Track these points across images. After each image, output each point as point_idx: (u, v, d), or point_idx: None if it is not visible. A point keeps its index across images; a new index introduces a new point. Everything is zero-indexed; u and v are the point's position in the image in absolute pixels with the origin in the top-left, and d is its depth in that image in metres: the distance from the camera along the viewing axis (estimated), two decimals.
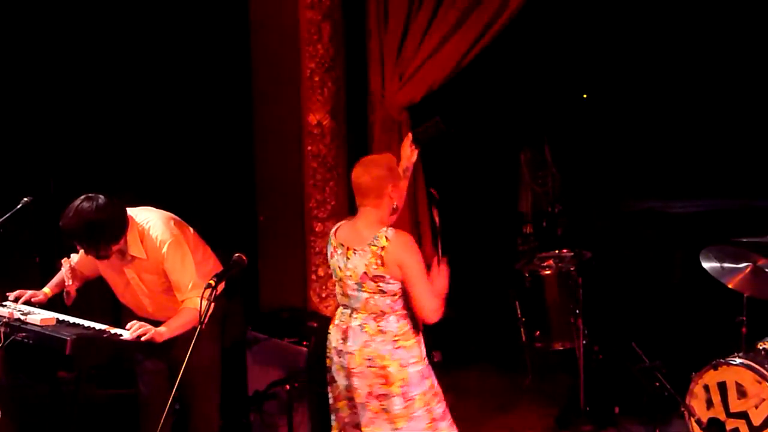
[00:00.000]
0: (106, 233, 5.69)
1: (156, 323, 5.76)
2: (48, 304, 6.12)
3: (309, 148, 8.01)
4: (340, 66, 8.05)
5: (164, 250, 5.80)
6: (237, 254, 4.89)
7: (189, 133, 8.51)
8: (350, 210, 8.20)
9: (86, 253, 5.87)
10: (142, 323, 5.67)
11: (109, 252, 5.77)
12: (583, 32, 9.19)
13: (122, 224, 5.77)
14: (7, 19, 7.86)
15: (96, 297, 6.86)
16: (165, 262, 5.81)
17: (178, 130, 8.49)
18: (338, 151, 8.08)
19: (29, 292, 6.12)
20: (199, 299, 5.51)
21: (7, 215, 6.01)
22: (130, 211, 5.87)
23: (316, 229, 8.05)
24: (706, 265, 6.77)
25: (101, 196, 5.72)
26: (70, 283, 6.04)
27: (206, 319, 4.83)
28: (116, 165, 8.20)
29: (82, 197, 5.72)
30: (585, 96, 9.84)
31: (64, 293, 6.06)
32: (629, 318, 8.25)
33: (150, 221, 5.88)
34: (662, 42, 9.13)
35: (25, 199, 6.13)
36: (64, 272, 6.08)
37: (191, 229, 6.08)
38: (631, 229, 9.27)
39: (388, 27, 7.93)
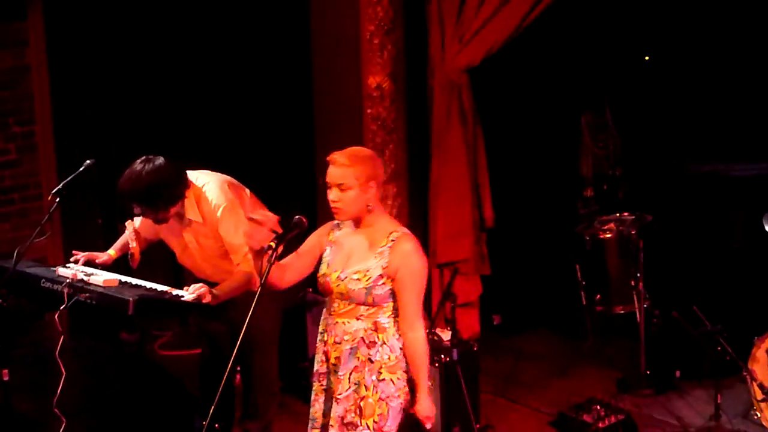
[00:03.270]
0: (164, 195, 5.72)
1: (214, 285, 5.81)
2: (111, 267, 6.18)
3: (369, 111, 8.00)
4: (400, 28, 8.01)
5: (219, 213, 5.82)
6: (297, 216, 4.89)
7: (249, 96, 8.55)
8: (410, 173, 8.21)
9: (143, 215, 5.91)
10: (201, 285, 5.71)
11: (166, 215, 5.80)
12: None
13: (180, 187, 5.80)
14: None
15: (158, 259, 6.92)
16: (219, 225, 5.83)
17: (238, 94, 8.53)
18: (398, 113, 8.06)
19: (93, 253, 6.18)
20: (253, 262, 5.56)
21: (70, 177, 6.04)
22: (189, 174, 5.90)
23: None
24: None
25: (161, 158, 5.75)
26: (134, 245, 6.08)
27: (266, 281, 4.84)
28: (176, 129, 8.25)
29: (142, 158, 5.76)
30: (647, 58, 9.75)
31: (129, 255, 6.10)
32: (690, 282, 8.20)
33: (206, 185, 5.90)
34: (724, 4, 9.02)
35: (88, 161, 6.15)
36: (128, 234, 6.13)
37: (248, 192, 6.09)
38: (693, 192, 9.19)
39: None
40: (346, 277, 4.89)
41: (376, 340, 4.89)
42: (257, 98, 8.58)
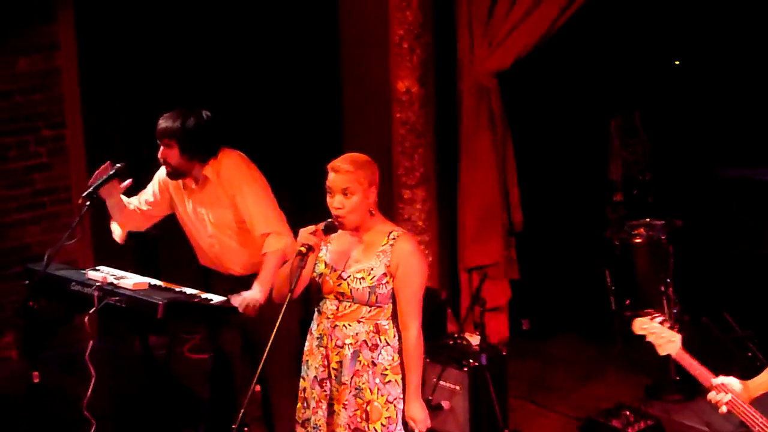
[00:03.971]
0: (201, 142, 5.85)
1: (217, 274, 5.90)
2: (137, 268, 6.20)
3: (398, 115, 8.00)
4: (429, 32, 8.02)
5: (240, 180, 5.88)
6: (330, 219, 4.89)
7: (278, 99, 8.56)
8: (439, 177, 8.21)
9: (166, 160, 5.90)
10: (245, 298, 5.71)
11: (188, 168, 5.87)
12: None
13: (217, 144, 5.93)
14: None
15: (185, 263, 6.93)
16: (239, 192, 5.85)
17: (267, 97, 8.53)
18: (427, 118, 8.06)
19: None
20: (278, 238, 5.69)
21: (101, 180, 6.06)
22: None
23: (405, 196, 8.05)
24: None
25: (208, 112, 5.90)
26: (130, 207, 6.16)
27: (295, 287, 4.82)
28: None
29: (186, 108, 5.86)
30: (677, 62, 9.70)
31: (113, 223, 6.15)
32: (721, 287, 8.15)
33: (234, 155, 6.00)
34: (755, 8, 8.96)
35: (118, 164, 6.18)
36: (135, 199, 6.22)
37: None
38: (723, 197, 9.13)
39: None
40: (348, 276, 4.88)
41: (378, 342, 4.88)
42: (287, 101, 8.59)
